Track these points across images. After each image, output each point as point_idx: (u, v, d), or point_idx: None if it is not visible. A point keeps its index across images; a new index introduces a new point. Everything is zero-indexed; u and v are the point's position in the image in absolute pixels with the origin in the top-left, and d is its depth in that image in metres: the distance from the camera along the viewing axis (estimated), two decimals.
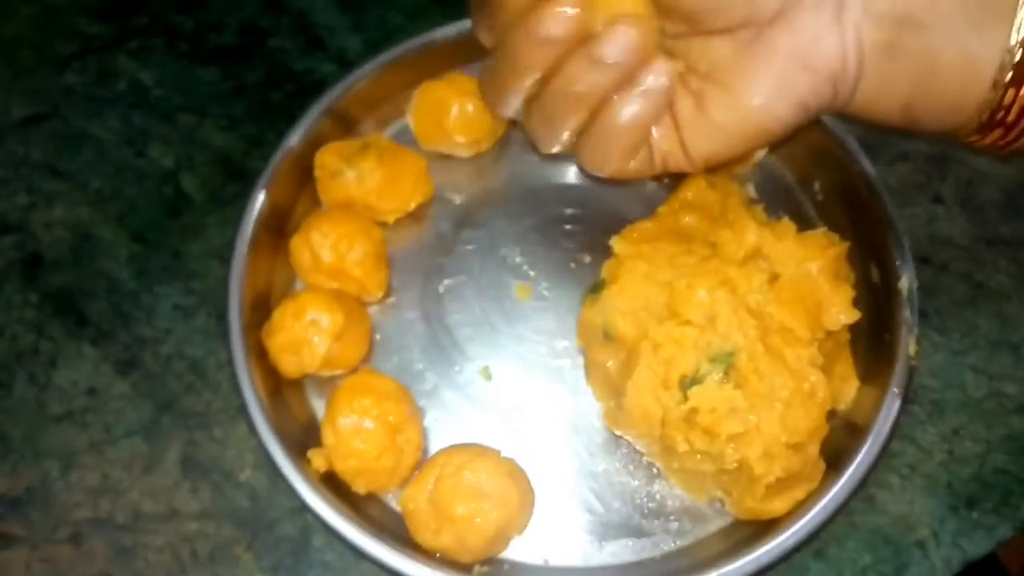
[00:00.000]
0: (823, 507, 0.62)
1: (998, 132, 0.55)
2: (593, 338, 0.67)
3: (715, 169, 0.67)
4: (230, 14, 0.87)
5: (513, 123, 0.77)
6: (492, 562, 0.65)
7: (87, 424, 0.71)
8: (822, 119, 0.71)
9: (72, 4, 0.88)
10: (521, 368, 0.71)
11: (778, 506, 0.63)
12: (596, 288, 0.67)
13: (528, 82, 0.58)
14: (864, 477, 0.63)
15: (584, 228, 0.75)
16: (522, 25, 0.55)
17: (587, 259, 0.74)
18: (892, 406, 0.64)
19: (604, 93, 0.57)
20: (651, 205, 0.71)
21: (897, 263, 0.68)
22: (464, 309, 0.73)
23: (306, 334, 0.67)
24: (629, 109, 0.58)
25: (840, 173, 0.73)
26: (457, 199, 0.77)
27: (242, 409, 0.67)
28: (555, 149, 0.62)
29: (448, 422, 0.70)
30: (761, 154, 0.76)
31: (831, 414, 0.63)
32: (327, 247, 0.70)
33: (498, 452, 0.65)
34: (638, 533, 0.66)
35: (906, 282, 0.68)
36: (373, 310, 0.73)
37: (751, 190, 0.75)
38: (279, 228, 0.74)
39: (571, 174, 0.77)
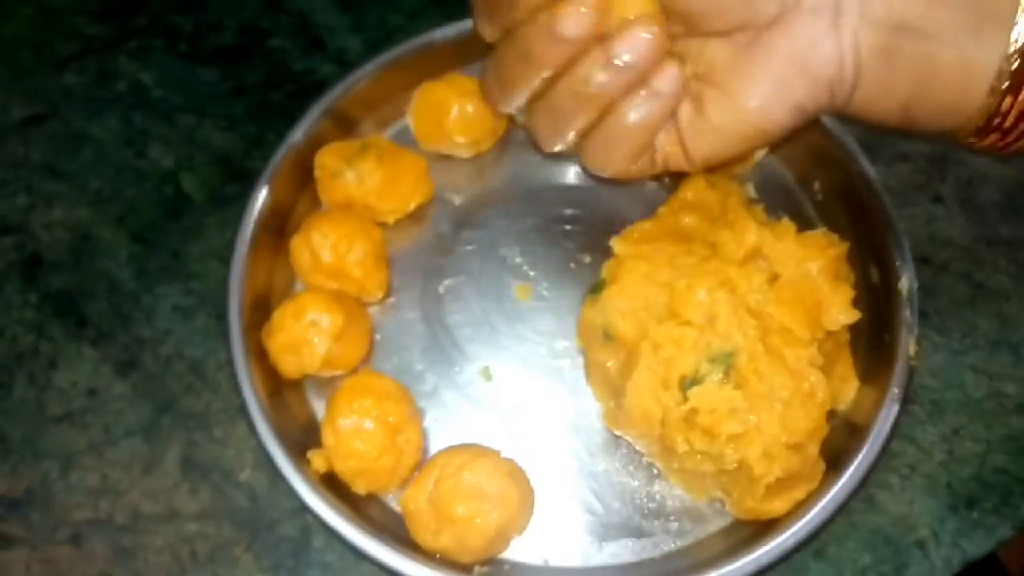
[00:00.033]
0: (823, 507, 0.62)
1: (995, 135, 0.55)
2: (593, 338, 0.67)
3: (715, 169, 0.67)
4: (230, 14, 0.87)
5: (513, 123, 0.77)
6: (492, 562, 0.65)
7: (87, 425, 0.71)
8: (822, 120, 0.71)
9: (72, 5, 0.88)
10: (521, 368, 0.71)
11: (778, 506, 0.63)
12: (596, 288, 0.67)
13: (538, 80, 0.57)
14: (864, 477, 0.63)
15: (584, 228, 0.75)
16: (537, 22, 0.55)
17: (587, 259, 0.74)
18: (892, 406, 0.64)
19: (614, 94, 0.57)
20: (651, 205, 0.71)
21: (897, 263, 0.68)
22: (464, 309, 0.73)
23: (306, 335, 0.67)
24: (638, 112, 0.57)
25: (840, 173, 0.73)
26: (457, 199, 0.77)
27: (242, 410, 0.67)
28: (558, 148, 0.62)
29: (448, 422, 0.70)
30: (761, 154, 0.76)
31: (831, 414, 0.63)
32: (327, 247, 0.70)
33: (498, 452, 0.65)
34: (638, 533, 0.66)
35: (906, 282, 0.68)
36: (373, 311, 0.73)
37: (751, 190, 0.75)
38: (279, 229, 0.74)
39: (571, 174, 0.77)
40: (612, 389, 0.67)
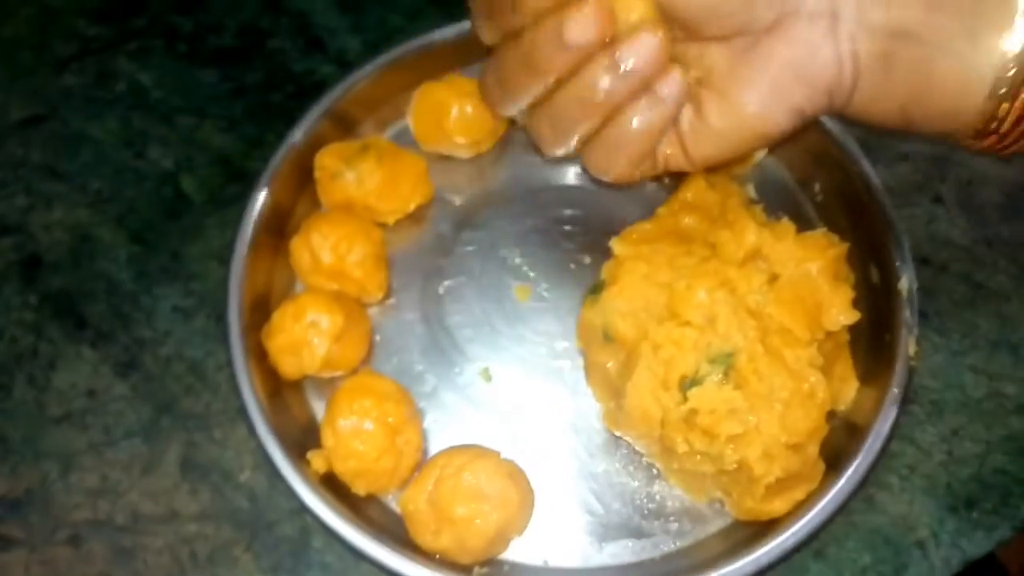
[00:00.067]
0: (823, 507, 0.62)
1: (993, 138, 0.55)
2: (593, 339, 0.67)
3: (715, 169, 0.67)
4: (229, 15, 0.87)
5: (513, 124, 0.77)
6: (492, 563, 0.65)
7: (86, 426, 0.71)
8: (822, 120, 0.71)
9: (71, 5, 0.88)
10: (521, 369, 0.71)
11: (778, 507, 0.63)
12: (596, 289, 0.67)
13: (542, 86, 0.57)
14: (864, 477, 0.63)
15: (584, 229, 0.75)
16: (542, 28, 0.55)
17: (587, 260, 0.74)
18: (892, 407, 0.64)
19: (618, 101, 0.57)
20: (651, 206, 0.71)
21: (897, 264, 0.68)
22: (464, 310, 0.73)
23: (306, 335, 0.67)
24: (642, 118, 0.57)
25: (840, 174, 0.73)
26: (457, 200, 0.77)
27: (241, 410, 0.67)
28: (560, 153, 0.62)
29: (448, 423, 0.70)
30: (760, 155, 0.76)
31: (831, 415, 0.63)
32: (327, 248, 0.70)
33: (498, 453, 0.65)
34: (638, 534, 0.66)
35: (906, 283, 0.68)
36: (373, 311, 0.73)
37: (751, 191, 0.75)
38: (279, 229, 0.74)
39: (571, 175, 0.77)
40: (612, 390, 0.67)
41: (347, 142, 0.75)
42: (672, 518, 0.67)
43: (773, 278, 0.63)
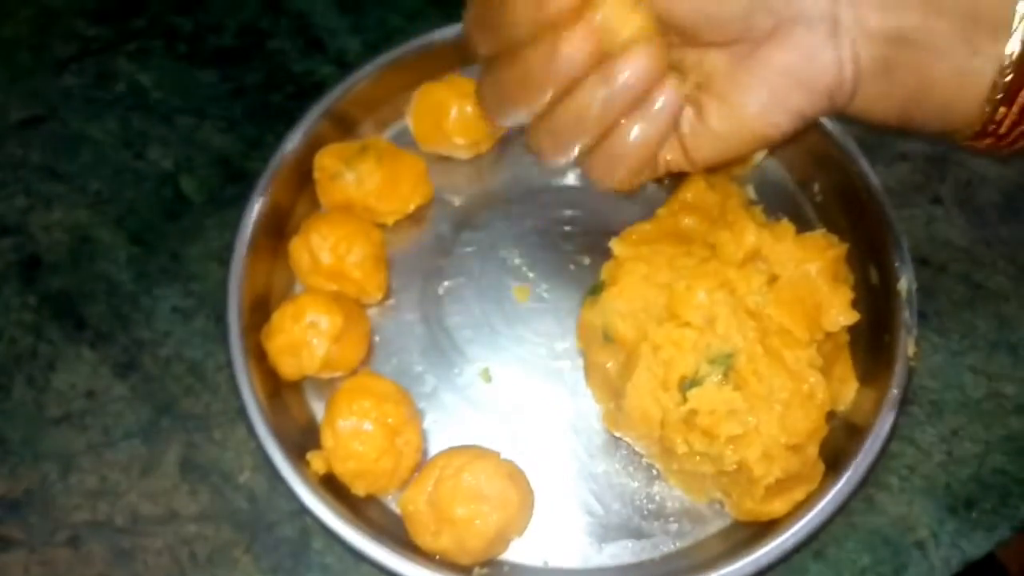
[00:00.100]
0: (822, 508, 0.62)
1: (991, 140, 0.55)
2: (593, 340, 0.67)
3: (714, 170, 0.67)
4: (229, 16, 0.87)
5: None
6: (492, 564, 0.65)
7: (86, 427, 0.71)
8: (821, 121, 0.71)
9: (71, 6, 0.88)
10: (521, 370, 0.71)
11: (777, 507, 0.63)
12: (596, 290, 0.67)
13: (539, 101, 0.57)
14: (863, 478, 0.63)
15: (583, 230, 0.75)
16: (541, 45, 0.54)
17: (587, 261, 0.74)
18: (891, 407, 0.64)
19: (616, 114, 0.57)
20: (650, 207, 0.71)
21: (896, 264, 0.68)
22: (464, 311, 0.73)
23: (305, 336, 0.67)
24: (640, 130, 0.57)
25: (839, 174, 0.73)
26: (456, 201, 0.77)
27: (241, 411, 0.67)
28: (561, 164, 0.62)
29: (448, 424, 0.70)
30: (760, 156, 0.76)
31: (830, 415, 0.63)
32: (326, 249, 0.70)
33: (498, 454, 0.65)
34: (638, 535, 0.66)
35: (905, 283, 0.68)
36: (372, 312, 0.73)
37: (750, 191, 0.75)
38: (278, 230, 0.74)
39: (570, 176, 0.77)
40: (612, 390, 0.67)
41: (347, 143, 0.75)
42: (672, 519, 0.67)
43: (773, 279, 0.63)
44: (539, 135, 0.59)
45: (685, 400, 0.60)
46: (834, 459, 0.64)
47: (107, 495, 0.69)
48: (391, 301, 0.74)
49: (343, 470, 0.65)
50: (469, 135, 0.75)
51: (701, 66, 0.57)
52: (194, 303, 0.75)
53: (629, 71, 0.54)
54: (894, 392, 0.65)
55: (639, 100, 0.56)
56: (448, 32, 0.77)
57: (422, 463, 0.67)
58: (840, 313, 0.64)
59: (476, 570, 0.63)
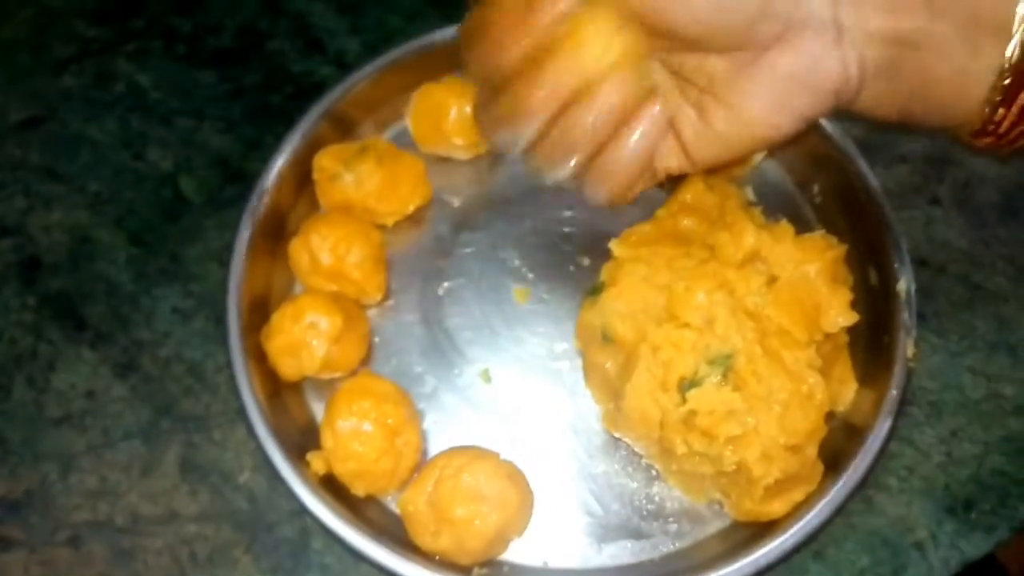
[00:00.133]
0: (821, 509, 0.62)
1: (991, 139, 0.55)
2: (592, 340, 0.67)
3: (714, 172, 0.67)
4: (228, 16, 0.87)
5: None
6: (491, 564, 0.65)
7: (86, 427, 0.71)
8: (821, 123, 0.71)
9: (70, 7, 0.88)
10: (520, 371, 0.71)
11: (776, 508, 0.63)
12: (595, 291, 0.67)
13: (531, 127, 0.59)
14: (862, 479, 0.63)
15: (583, 231, 0.75)
16: (527, 76, 0.57)
17: (586, 262, 0.74)
18: (890, 408, 0.65)
19: (603, 136, 0.59)
20: (650, 208, 0.71)
21: (895, 265, 0.69)
22: (463, 312, 0.73)
23: (305, 337, 0.67)
24: (626, 150, 0.60)
25: (838, 176, 0.73)
26: (456, 202, 0.77)
27: (241, 412, 0.67)
28: (558, 178, 0.62)
29: (447, 424, 0.70)
30: (759, 157, 0.76)
31: (829, 416, 0.63)
32: (326, 250, 0.70)
33: (497, 454, 0.65)
34: (637, 535, 0.66)
35: (904, 284, 0.68)
36: (372, 313, 0.73)
37: (749, 193, 0.75)
38: (278, 231, 0.74)
39: None
40: (611, 391, 0.67)
41: (346, 144, 0.75)
42: (671, 519, 0.67)
43: (772, 280, 0.63)
44: (533, 156, 0.61)
45: (684, 401, 0.60)
46: (833, 460, 0.64)
47: (107, 495, 0.69)
48: (391, 302, 0.74)
49: (343, 470, 0.65)
50: (468, 136, 0.75)
51: (702, 70, 0.57)
52: (194, 304, 0.75)
53: (610, 98, 0.57)
54: (893, 393, 0.65)
55: (623, 122, 0.59)
56: (447, 33, 0.77)
57: (422, 463, 0.67)
58: (839, 314, 0.64)
59: (476, 570, 0.63)
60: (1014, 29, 0.51)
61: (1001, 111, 0.53)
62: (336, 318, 0.67)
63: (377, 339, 0.72)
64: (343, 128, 0.77)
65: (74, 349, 0.74)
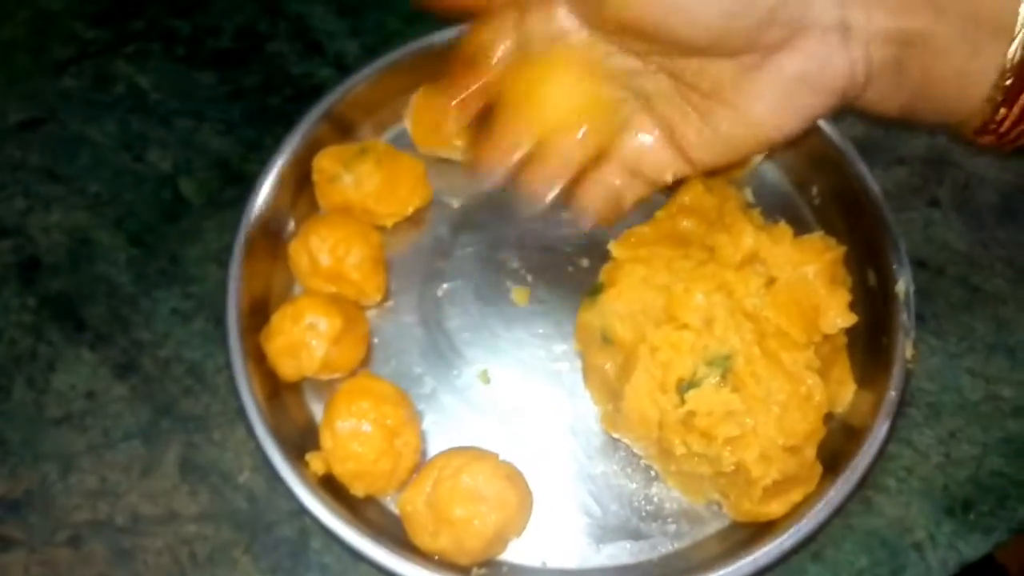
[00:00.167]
0: (820, 509, 0.62)
1: (992, 137, 0.55)
2: (591, 342, 0.67)
3: (713, 173, 0.67)
4: (227, 18, 0.87)
5: None
6: (490, 564, 0.65)
7: (86, 427, 0.71)
8: (820, 124, 0.71)
9: (69, 8, 0.88)
10: (519, 372, 0.71)
11: (775, 508, 0.63)
12: (594, 292, 0.67)
13: (509, 164, 0.61)
14: (861, 480, 0.63)
15: (582, 232, 0.75)
16: (498, 124, 0.61)
17: (585, 263, 0.74)
18: (889, 409, 0.65)
19: (576, 171, 0.62)
20: (649, 209, 0.71)
21: (894, 267, 0.69)
22: (462, 313, 0.73)
23: (304, 338, 0.67)
24: (600, 186, 0.64)
25: (837, 177, 0.73)
26: (455, 203, 0.77)
27: (240, 412, 0.67)
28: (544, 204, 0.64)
29: (446, 425, 0.70)
30: (759, 159, 0.76)
31: (828, 417, 0.63)
32: (325, 251, 0.70)
33: (496, 455, 0.65)
34: (636, 535, 0.66)
35: (903, 286, 0.68)
36: (371, 314, 0.73)
37: (748, 194, 0.75)
38: (277, 232, 0.74)
39: None
40: (610, 392, 0.67)
41: (345, 145, 0.75)
42: (670, 520, 0.67)
43: (770, 281, 0.63)
44: (519, 184, 0.63)
45: (683, 402, 0.60)
46: (832, 461, 0.64)
47: (107, 495, 0.69)
48: (390, 303, 0.74)
49: (342, 471, 0.65)
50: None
51: (705, 74, 0.57)
52: (193, 305, 0.75)
53: (573, 152, 0.61)
54: (892, 394, 0.65)
55: (597, 158, 0.62)
56: (446, 35, 0.77)
57: (421, 464, 0.67)
58: (838, 315, 0.64)
59: (475, 570, 0.64)
60: (1016, 30, 0.51)
61: (1003, 110, 0.53)
62: (335, 319, 0.67)
63: (376, 340, 0.72)
64: (342, 130, 0.77)
65: (74, 350, 0.74)
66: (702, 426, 0.60)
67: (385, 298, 0.73)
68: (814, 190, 0.76)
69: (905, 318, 0.67)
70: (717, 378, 0.60)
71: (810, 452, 0.62)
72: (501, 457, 0.65)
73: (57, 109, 0.84)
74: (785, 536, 0.62)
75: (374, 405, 0.65)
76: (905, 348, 0.66)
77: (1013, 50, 0.51)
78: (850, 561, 0.66)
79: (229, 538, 0.68)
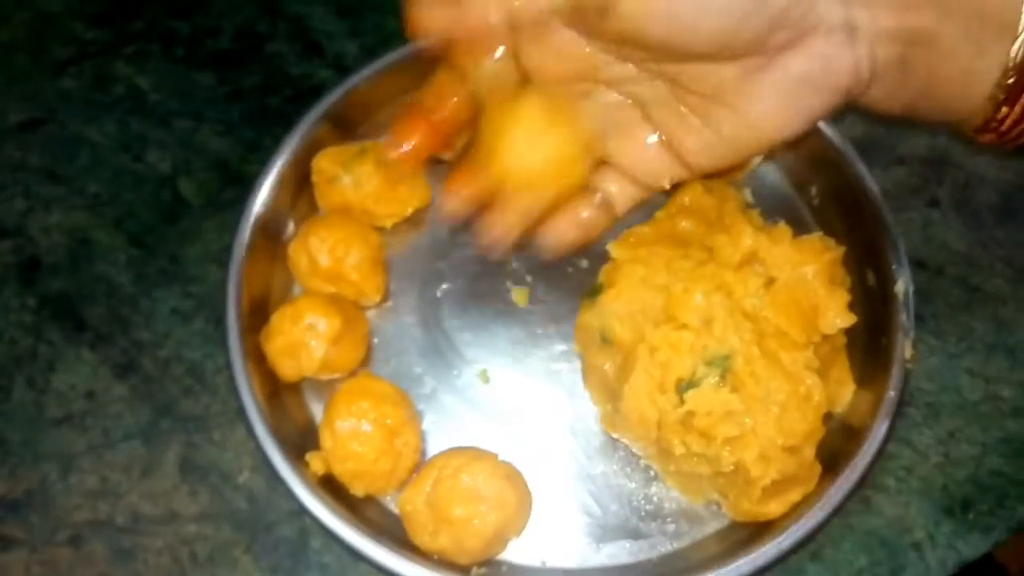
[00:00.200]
0: (819, 509, 0.62)
1: (993, 135, 0.56)
2: (590, 342, 0.68)
3: (712, 176, 0.67)
4: (227, 19, 0.87)
5: None
6: (490, 564, 0.65)
7: (86, 427, 0.71)
8: (819, 124, 0.71)
9: (68, 9, 0.88)
10: (519, 372, 0.71)
11: (774, 508, 0.63)
12: (593, 292, 0.67)
13: (454, 220, 0.65)
14: (860, 479, 0.63)
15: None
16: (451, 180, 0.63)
17: (584, 263, 0.74)
18: (888, 409, 0.65)
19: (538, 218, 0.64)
20: (648, 210, 0.71)
21: (893, 267, 0.69)
22: (462, 313, 0.73)
23: (304, 338, 0.67)
24: (561, 231, 0.66)
25: (836, 178, 0.73)
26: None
27: (240, 412, 0.67)
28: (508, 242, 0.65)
29: (446, 425, 0.70)
30: (758, 160, 0.76)
31: (827, 417, 0.63)
32: (324, 252, 0.70)
33: (496, 455, 0.65)
34: (635, 535, 0.66)
35: (902, 286, 0.68)
36: (371, 314, 0.73)
37: (748, 195, 0.75)
38: (277, 233, 0.74)
39: None
40: (609, 392, 0.67)
41: (345, 146, 0.75)
42: (669, 519, 0.67)
43: (769, 281, 0.63)
44: (477, 228, 0.65)
45: (682, 402, 0.60)
46: (831, 460, 0.64)
47: (107, 495, 0.69)
48: (389, 303, 0.74)
49: (342, 471, 0.65)
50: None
51: (706, 79, 0.57)
52: (193, 305, 0.75)
53: (531, 205, 0.62)
54: (891, 394, 0.65)
55: (561, 204, 0.64)
56: None
57: (420, 464, 0.67)
58: (837, 315, 0.64)
59: (474, 570, 0.64)
60: (1019, 29, 0.51)
61: (1004, 109, 0.53)
62: (335, 319, 0.67)
63: (376, 340, 0.73)
64: (342, 130, 0.77)
65: (74, 350, 0.74)
66: (701, 426, 0.60)
67: (384, 298, 0.73)
68: (813, 190, 0.76)
69: (904, 318, 0.67)
70: (716, 378, 0.60)
71: (809, 452, 0.62)
72: (501, 457, 0.65)
73: (57, 110, 0.84)
74: (784, 536, 0.62)
75: (374, 405, 0.65)
76: (904, 348, 0.66)
77: (1016, 49, 0.51)
78: (849, 561, 0.67)
79: (229, 538, 0.68)
